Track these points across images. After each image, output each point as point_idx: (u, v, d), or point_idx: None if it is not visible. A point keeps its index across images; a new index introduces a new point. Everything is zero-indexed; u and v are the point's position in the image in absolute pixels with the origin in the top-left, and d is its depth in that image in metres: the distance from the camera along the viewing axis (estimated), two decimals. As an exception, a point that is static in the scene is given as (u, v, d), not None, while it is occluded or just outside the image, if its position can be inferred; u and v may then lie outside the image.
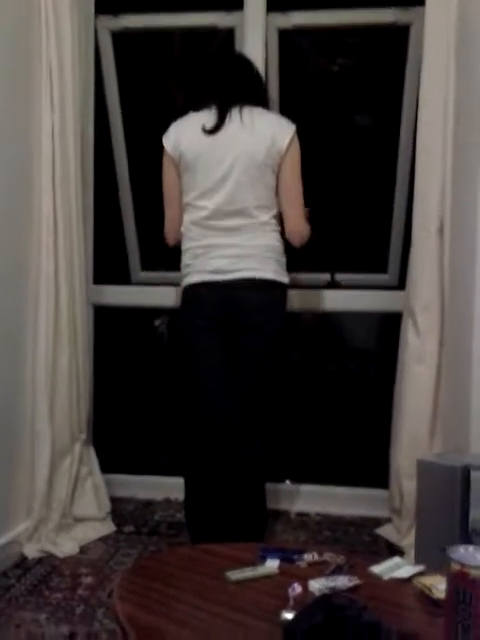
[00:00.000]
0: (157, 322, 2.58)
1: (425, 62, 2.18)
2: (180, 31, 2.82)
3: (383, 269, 2.71)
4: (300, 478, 2.76)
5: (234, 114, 2.01)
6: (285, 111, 2.52)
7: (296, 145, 2.03)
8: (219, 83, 2.11)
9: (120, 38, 2.65)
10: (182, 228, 2.11)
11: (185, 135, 2.05)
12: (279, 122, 2.05)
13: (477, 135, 1.85)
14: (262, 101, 2.12)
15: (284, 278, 2.08)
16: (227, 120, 2.00)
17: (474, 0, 1.93)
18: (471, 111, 1.94)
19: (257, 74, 2.19)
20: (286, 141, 2.00)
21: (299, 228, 2.06)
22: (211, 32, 2.64)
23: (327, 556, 1.38)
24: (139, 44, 2.80)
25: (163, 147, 2.08)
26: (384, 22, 2.51)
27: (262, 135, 1.99)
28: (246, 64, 2.17)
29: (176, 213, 2.12)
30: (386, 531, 2.40)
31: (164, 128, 2.12)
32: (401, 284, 2.47)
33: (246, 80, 2.12)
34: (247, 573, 1.30)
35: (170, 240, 2.18)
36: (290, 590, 1.20)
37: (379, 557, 1.39)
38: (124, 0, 2.62)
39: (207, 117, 2.03)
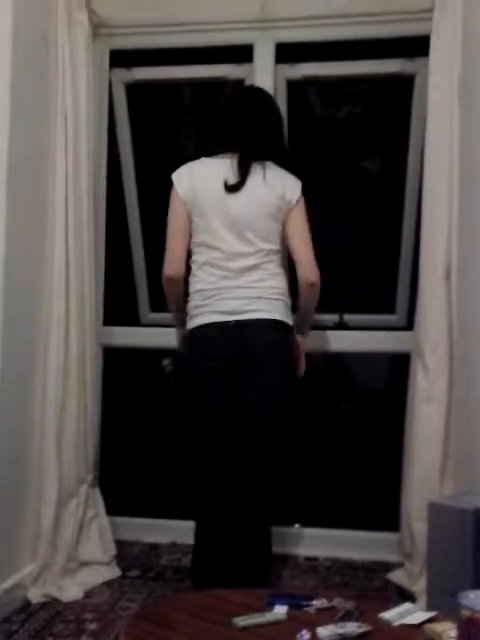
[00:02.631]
0: (165, 362, 2.59)
1: (430, 111, 2.24)
2: (190, 82, 2.91)
3: (391, 310, 2.73)
4: (309, 522, 2.72)
5: (256, 167, 2.08)
6: (295, 158, 2.59)
7: (303, 199, 2.13)
8: (241, 133, 2.12)
9: (133, 89, 2.74)
10: (193, 268, 2.13)
11: (200, 181, 2.09)
12: (288, 178, 2.14)
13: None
14: (281, 150, 2.19)
15: (290, 319, 2.13)
16: (249, 175, 2.06)
17: (477, 50, 1.99)
18: (475, 159, 1.98)
19: (277, 114, 2.22)
20: (296, 195, 2.11)
21: (312, 272, 2.08)
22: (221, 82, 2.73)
23: (336, 602, 1.35)
24: (151, 94, 2.89)
25: (173, 185, 2.11)
26: (389, 72, 2.58)
27: (275, 187, 2.08)
28: (267, 107, 2.20)
29: (180, 247, 2.10)
30: (397, 576, 2.35)
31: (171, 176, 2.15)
32: (409, 324, 2.48)
33: (267, 130, 2.15)
34: (255, 619, 1.28)
35: (169, 270, 2.11)
36: (298, 637, 1.18)
37: (390, 603, 1.38)
38: (137, 54, 2.71)
39: (223, 167, 2.08)
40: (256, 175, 2.08)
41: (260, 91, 2.28)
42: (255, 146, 2.11)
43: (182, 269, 2.12)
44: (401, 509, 2.33)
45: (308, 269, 2.08)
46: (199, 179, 2.10)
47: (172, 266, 2.12)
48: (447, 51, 2.20)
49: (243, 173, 2.07)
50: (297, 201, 2.11)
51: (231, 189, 2.05)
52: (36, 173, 2.27)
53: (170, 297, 2.22)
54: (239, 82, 2.64)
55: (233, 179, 2.06)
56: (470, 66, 2.09)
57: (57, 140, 2.32)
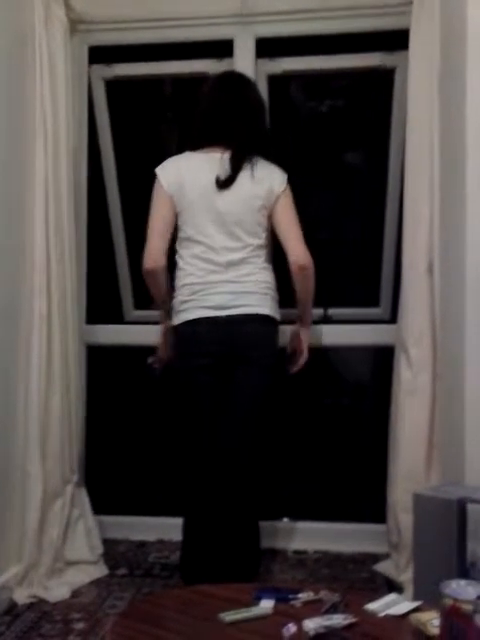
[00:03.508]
0: (150, 359, 2.57)
1: (410, 104, 2.25)
2: (172, 77, 2.90)
3: (375, 303, 2.73)
4: (297, 515, 2.72)
5: (245, 162, 2.08)
6: (277, 152, 2.59)
7: (289, 190, 2.13)
8: (228, 126, 2.11)
9: (113, 85, 2.72)
10: (180, 262, 2.12)
11: (187, 176, 2.08)
12: (275, 172, 2.14)
13: (462, 174, 1.90)
14: (266, 140, 2.18)
15: (278, 314, 2.14)
16: (239, 172, 2.06)
17: (455, 43, 2.00)
18: (455, 151, 1.98)
19: (260, 102, 2.20)
20: (282, 187, 2.11)
21: (302, 254, 2.07)
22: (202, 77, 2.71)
23: (322, 594, 1.36)
24: (131, 90, 2.87)
25: (157, 178, 2.10)
26: (370, 65, 2.58)
27: (262, 181, 2.08)
28: (250, 96, 2.17)
29: (160, 239, 2.07)
30: (385, 567, 2.36)
31: (155, 169, 2.13)
32: (393, 317, 2.49)
33: (253, 121, 2.14)
34: (242, 614, 1.28)
35: (148, 263, 2.08)
36: (285, 630, 1.18)
37: (378, 594, 1.38)
38: (116, 50, 2.69)
39: (211, 161, 2.07)
40: (245, 170, 2.07)
41: (241, 79, 2.24)
42: (245, 141, 2.10)
43: (162, 261, 2.08)
44: (387, 501, 2.35)
45: (298, 253, 2.07)
46: (185, 173, 2.08)
47: (152, 258, 2.08)
48: (426, 44, 2.21)
49: (235, 169, 2.06)
50: (283, 191, 2.10)
51: (222, 185, 2.05)
52: (16, 171, 2.25)
53: (152, 290, 2.19)
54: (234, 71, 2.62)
55: (223, 174, 2.05)
56: (449, 59, 2.09)
57: (36, 138, 2.30)
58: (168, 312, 2.20)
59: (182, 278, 2.11)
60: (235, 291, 2.05)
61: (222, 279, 2.05)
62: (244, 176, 2.07)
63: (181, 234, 2.11)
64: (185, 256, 2.10)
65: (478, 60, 1.87)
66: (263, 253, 2.12)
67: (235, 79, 2.24)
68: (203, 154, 2.11)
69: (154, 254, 2.08)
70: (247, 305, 2.05)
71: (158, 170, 2.11)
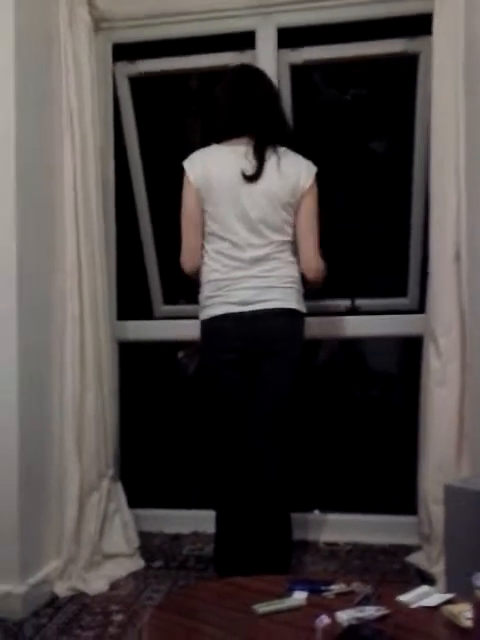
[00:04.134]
0: (180, 354, 2.60)
1: (434, 89, 2.22)
2: (195, 72, 2.90)
3: (403, 293, 2.71)
4: (328, 507, 2.73)
5: (270, 154, 2.07)
6: (300, 143, 2.58)
7: (315, 186, 2.11)
8: (250, 118, 2.10)
9: (137, 82, 2.74)
10: (205, 257, 2.13)
11: (213, 169, 2.07)
12: (303, 164, 2.11)
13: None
14: (287, 134, 2.18)
15: (303, 307, 2.13)
16: (265, 165, 2.05)
17: (480, 27, 1.97)
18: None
19: (277, 95, 2.21)
20: (309, 183, 2.08)
21: (314, 262, 2.09)
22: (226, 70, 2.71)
23: (355, 586, 1.37)
24: (155, 85, 2.89)
25: (185, 173, 2.10)
26: (393, 52, 2.55)
27: (289, 176, 2.06)
28: (268, 88, 2.18)
29: (196, 239, 2.11)
30: (416, 558, 2.36)
31: (181, 165, 2.13)
32: (421, 307, 2.47)
33: (274, 114, 2.14)
34: (274, 606, 1.29)
35: (188, 266, 2.14)
36: (317, 622, 1.19)
37: (410, 585, 1.38)
38: (140, 46, 2.71)
39: (235, 154, 2.07)
40: (270, 163, 2.06)
41: (257, 71, 2.25)
42: (268, 131, 2.10)
43: (198, 262, 2.13)
44: (418, 492, 2.34)
45: (310, 265, 2.09)
46: (212, 167, 2.08)
47: (190, 260, 2.13)
48: (450, 28, 2.17)
49: (260, 161, 2.05)
50: (310, 188, 2.08)
51: (249, 179, 2.04)
52: (44, 172, 2.28)
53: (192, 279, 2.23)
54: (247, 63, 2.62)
55: (249, 168, 2.04)
56: (474, 43, 2.06)
57: (64, 137, 2.33)
58: None
59: (207, 274, 2.12)
60: (259, 286, 2.05)
61: (246, 275, 2.06)
62: (270, 170, 2.05)
63: (206, 229, 2.11)
64: (210, 251, 2.11)
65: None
66: (288, 247, 2.11)
67: (252, 72, 2.25)
68: (228, 147, 2.10)
69: (190, 256, 2.12)
70: (272, 300, 2.05)
71: (186, 163, 2.11)
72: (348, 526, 2.64)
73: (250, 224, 2.06)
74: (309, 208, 2.09)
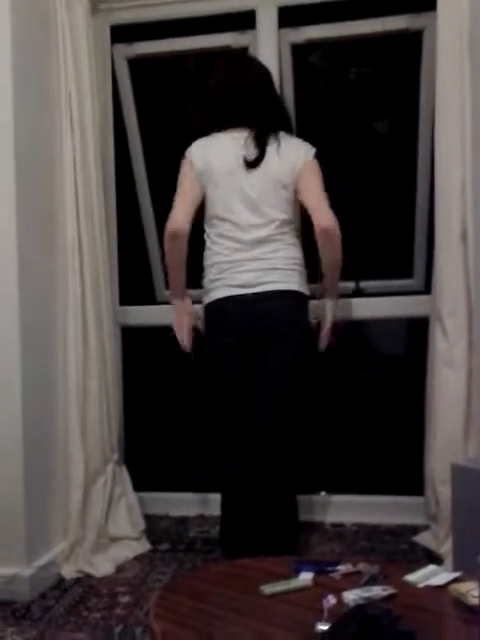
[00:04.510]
0: (172, 334, 2.58)
1: (439, 66, 2.18)
2: (195, 53, 2.86)
3: (408, 274, 2.69)
4: (335, 488, 2.74)
5: (271, 141, 2.08)
6: (303, 124, 2.55)
7: (316, 163, 2.11)
8: (247, 109, 2.12)
9: (136, 64, 2.70)
10: (207, 242, 2.14)
11: (216, 156, 2.09)
12: (302, 147, 2.13)
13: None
14: (285, 118, 2.19)
15: (306, 290, 2.13)
16: (266, 150, 2.06)
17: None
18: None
19: (272, 81, 2.22)
20: (308, 158, 2.10)
21: (325, 217, 2.03)
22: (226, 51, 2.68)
23: (361, 566, 1.37)
24: (155, 67, 2.85)
25: (186, 159, 2.12)
26: (396, 29, 2.51)
27: (289, 159, 2.08)
28: (266, 76, 2.19)
29: (188, 207, 2.08)
30: (424, 538, 2.36)
31: (182, 148, 2.16)
32: (427, 288, 2.45)
33: (270, 100, 2.16)
34: (281, 586, 1.30)
35: (174, 225, 2.06)
36: (324, 602, 1.19)
37: (417, 565, 1.37)
38: (138, 28, 2.67)
39: (236, 141, 2.08)
40: (271, 149, 2.08)
41: (248, 57, 2.28)
42: (267, 119, 2.11)
43: (186, 225, 2.07)
44: (425, 472, 2.33)
45: (321, 216, 2.03)
46: (213, 155, 2.10)
47: (175, 222, 2.07)
48: (454, 3, 2.13)
49: (261, 148, 2.06)
50: (308, 161, 2.09)
51: (250, 165, 2.05)
52: (43, 155, 2.27)
53: (171, 259, 2.15)
54: (238, 50, 2.58)
55: (250, 154, 2.06)
56: (478, 17, 2.01)
57: (62, 119, 2.31)
58: (181, 289, 2.20)
59: (209, 257, 2.12)
60: (262, 268, 2.05)
61: (248, 257, 2.06)
62: (271, 154, 2.07)
63: (208, 213, 2.12)
64: (212, 235, 2.12)
65: (510, 17, 1.80)
66: (290, 229, 2.11)
67: (244, 59, 2.28)
68: (228, 135, 2.12)
69: (178, 218, 2.08)
70: (274, 282, 2.04)
71: (187, 152, 2.14)
72: (355, 507, 2.65)
73: (250, 204, 2.06)
74: (311, 175, 2.08)
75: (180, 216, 2.09)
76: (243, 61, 2.27)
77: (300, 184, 2.08)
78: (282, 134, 2.12)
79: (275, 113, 2.16)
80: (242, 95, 2.13)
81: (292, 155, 2.08)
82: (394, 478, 2.74)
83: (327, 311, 2.25)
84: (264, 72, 2.21)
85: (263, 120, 2.11)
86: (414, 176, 2.58)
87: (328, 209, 2.05)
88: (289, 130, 2.20)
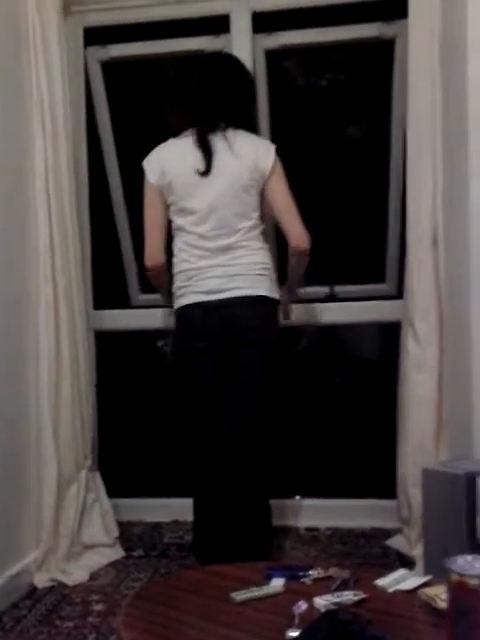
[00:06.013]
0: (160, 343, 2.59)
1: (411, 74, 2.21)
2: (170, 56, 2.86)
3: (381, 279, 2.71)
4: (308, 492, 2.74)
5: (218, 140, 2.05)
6: (276, 129, 2.56)
7: (279, 164, 2.09)
8: (201, 106, 2.11)
9: (109, 67, 2.69)
10: (174, 250, 2.14)
11: (170, 165, 2.08)
12: (260, 144, 2.11)
13: (465, 145, 1.86)
14: (247, 117, 2.16)
15: (276, 294, 2.13)
16: (213, 154, 2.04)
17: (456, 10, 1.95)
18: (459, 120, 1.95)
19: (236, 78, 2.16)
20: (269, 163, 2.07)
21: (303, 240, 2.04)
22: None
23: (332, 571, 1.37)
24: (129, 71, 2.84)
25: (145, 175, 2.11)
26: (369, 36, 2.53)
27: (246, 159, 2.05)
28: (231, 73, 2.15)
29: (157, 237, 2.12)
30: (396, 542, 2.38)
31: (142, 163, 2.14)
32: (400, 293, 2.48)
33: (231, 99, 2.12)
34: (252, 593, 1.29)
35: (151, 262, 2.14)
36: (295, 608, 1.19)
37: (390, 569, 1.38)
38: (112, 31, 2.66)
39: (190, 146, 2.06)
40: (222, 149, 2.04)
41: (218, 59, 2.25)
42: (209, 118, 2.08)
43: (162, 259, 2.14)
44: (397, 476, 2.35)
45: (298, 237, 2.04)
46: (168, 163, 2.08)
47: (151, 257, 2.14)
48: (426, 11, 2.15)
49: (206, 151, 2.03)
50: (272, 167, 2.06)
51: (202, 174, 2.04)
52: (15, 158, 2.24)
53: (155, 284, 2.29)
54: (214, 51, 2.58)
55: (198, 162, 2.04)
56: (450, 25, 2.05)
57: (34, 124, 2.29)
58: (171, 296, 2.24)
59: (177, 265, 2.13)
60: (227, 274, 2.05)
61: (214, 263, 2.06)
62: (223, 156, 2.04)
63: (174, 224, 2.12)
64: (179, 243, 2.12)
65: (480, 25, 1.83)
66: (256, 234, 2.10)
67: (212, 60, 2.26)
68: (183, 140, 2.10)
69: (154, 254, 2.13)
70: (241, 287, 2.04)
71: (144, 164, 2.13)
72: (328, 511, 2.66)
73: (214, 214, 2.05)
74: (278, 187, 2.06)
75: (155, 250, 2.12)
76: (210, 60, 2.25)
77: (269, 195, 2.07)
78: (233, 132, 2.07)
79: (230, 111, 2.10)
80: (196, 95, 2.12)
81: (250, 154, 2.04)
82: (368, 482, 2.76)
83: (286, 297, 2.25)
84: (231, 70, 2.16)
85: (207, 116, 2.08)
86: (387, 182, 2.61)
87: (304, 231, 2.05)
88: (250, 129, 2.14)
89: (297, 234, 2.04)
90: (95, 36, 2.65)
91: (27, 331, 2.29)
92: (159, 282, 2.25)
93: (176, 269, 2.13)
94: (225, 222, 2.05)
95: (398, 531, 2.41)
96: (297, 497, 2.74)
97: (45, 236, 2.29)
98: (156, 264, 2.14)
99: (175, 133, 2.16)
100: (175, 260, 2.14)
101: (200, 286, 2.06)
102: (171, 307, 2.24)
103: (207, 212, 2.05)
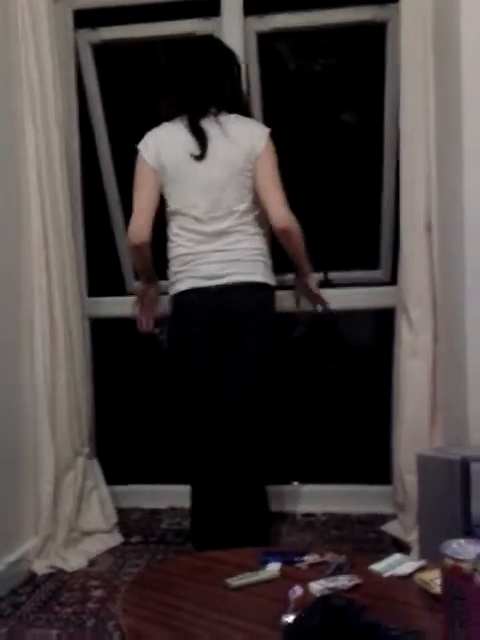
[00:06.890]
0: (157, 330, 2.57)
1: (403, 57, 2.19)
2: (161, 40, 2.83)
3: (375, 265, 2.71)
4: (305, 478, 2.76)
5: (211, 125, 2.04)
6: (269, 113, 2.54)
7: (271, 145, 2.08)
8: (191, 91, 2.09)
9: (101, 50, 2.66)
10: (169, 235, 2.13)
11: (165, 148, 2.07)
12: (254, 127, 2.10)
13: (458, 130, 1.86)
14: (238, 101, 2.15)
15: (272, 280, 2.12)
16: (208, 139, 2.03)
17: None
18: (452, 105, 1.94)
19: (225, 62, 2.15)
20: (263, 145, 2.06)
21: (282, 212, 2.02)
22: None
23: (328, 556, 1.38)
24: (120, 55, 2.81)
25: (139, 154, 2.10)
26: (362, 20, 2.51)
27: (241, 142, 2.04)
28: (217, 56, 2.14)
29: (145, 213, 2.07)
30: (392, 527, 2.39)
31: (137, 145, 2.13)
32: (394, 279, 2.48)
33: (220, 83, 2.11)
34: (248, 578, 1.31)
35: (139, 239, 2.08)
36: (291, 593, 1.20)
37: (385, 554, 1.39)
38: (102, 13, 2.63)
39: (182, 130, 2.05)
40: (216, 133, 2.04)
41: (205, 43, 2.22)
42: (198, 103, 2.07)
43: (146, 237, 2.08)
44: (392, 462, 2.37)
45: (278, 217, 2.02)
46: (163, 146, 2.07)
47: (136, 235, 2.09)
48: (418, -6, 2.14)
49: (199, 136, 2.03)
50: (264, 148, 2.05)
51: (197, 158, 2.03)
52: (5, 147, 2.22)
53: (137, 263, 2.25)
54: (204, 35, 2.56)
55: (192, 146, 2.03)
56: (442, 9, 2.03)
57: (25, 109, 2.27)
58: (150, 280, 2.29)
59: (173, 249, 2.11)
60: (224, 259, 2.04)
61: (211, 248, 2.05)
62: (218, 140, 2.03)
63: (168, 208, 2.11)
64: (174, 228, 2.11)
65: (472, 8, 1.81)
66: (252, 218, 2.09)
67: (198, 43, 2.23)
68: (176, 124, 2.09)
69: (137, 231, 2.08)
70: (238, 273, 2.04)
71: (140, 145, 2.11)
72: (324, 497, 2.67)
73: (209, 196, 2.04)
74: (265, 165, 2.04)
75: (140, 226, 2.07)
76: (197, 44, 2.21)
77: (256, 175, 2.05)
78: (225, 116, 2.06)
79: (221, 95, 2.09)
80: (186, 81, 2.11)
81: (245, 138, 2.04)
82: (363, 467, 2.78)
83: (311, 286, 2.29)
84: (218, 54, 2.14)
85: (198, 102, 2.07)
86: (380, 167, 2.60)
87: (285, 209, 2.02)
88: (242, 112, 2.13)
89: (275, 212, 2.02)
90: (85, 18, 2.62)
91: (21, 318, 2.28)
92: (143, 263, 2.20)
93: (171, 254, 2.12)
94: (220, 204, 2.04)
95: (393, 517, 2.43)
96: (294, 483, 2.76)
97: (38, 224, 2.28)
98: (139, 241, 2.08)
99: (166, 117, 2.14)
100: (170, 245, 2.12)
101: (197, 271, 2.05)
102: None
103: (202, 195, 2.04)
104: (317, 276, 2.41)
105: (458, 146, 1.87)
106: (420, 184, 2.16)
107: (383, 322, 2.64)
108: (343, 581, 1.26)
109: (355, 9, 2.48)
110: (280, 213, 2.02)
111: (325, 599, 1.09)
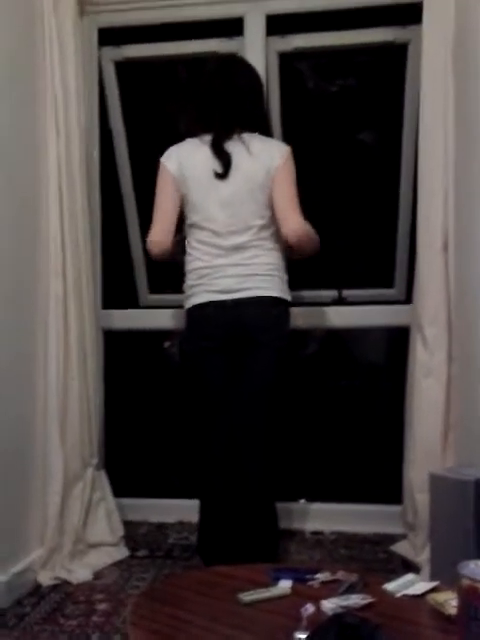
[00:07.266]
0: (167, 344, 2.58)
1: (424, 79, 2.21)
2: (183, 58, 2.87)
3: (390, 284, 2.71)
4: (314, 496, 2.74)
5: (234, 145, 2.06)
6: (288, 132, 2.57)
7: (291, 163, 2.08)
8: (215, 108, 2.11)
9: (123, 67, 2.70)
10: (187, 248, 2.14)
11: (188, 162, 2.08)
12: (275, 146, 2.12)
13: (477, 151, 1.86)
14: (260, 120, 2.16)
15: (288, 296, 2.12)
16: (231, 157, 2.04)
17: (471, 15, 1.95)
18: (471, 126, 1.95)
19: (248, 82, 2.16)
20: (281, 161, 2.06)
21: (297, 225, 2.02)
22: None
23: (340, 575, 1.37)
24: (142, 72, 2.85)
25: (161, 166, 2.11)
26: (382, 41, 2.54)
27: (262, 158, 2.06)
28: (240, 76, 2.15)
29: (170, 223, 2.09)
30: (401, 547, 2.37)
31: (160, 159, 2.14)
32: (408, 298, 2.47)
33: (243, 101, 2.12)
34: (260, 594, 1.29)
35: (158, 247, 2.10)
36: (303, 610, 1.19)
37: (395, 574, 1.38)
38: (126, 31, 2.67)
39: (207, 148, 2.07)
40: (238, 151, 2.05)
41: (230, 62, 2.23)
42: (225, 123, 2.08)
43: (166, 245, 2.10)
44: (403, 481, 2.35)
45: (290, 223, 2.01)
46: (186, 161, 2.09)
47: (158, 244, 2.10)
48: (440, 17, 2.16)
49: (223, 157, 2.04)
50: (283, 163, 2.05)
51: (220, 176, 2.04)
52: (29, 156, 2.26)
53: (168, 259, 2.21)
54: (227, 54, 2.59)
55: (215, 164, 2.04)
56: (463, 32, 2.05)
57: (48, 120, 2.30)
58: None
59: (190, 262, 2.12)
60: (241, 274, 2.05)
61: (228, 262, 2.05)
62: (241, 156, 2.05)
63: (188, 221, 2.12)
64: (192, 241, 2.12)
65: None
66: (269, 234, 2.09)
67: (223, 62, 2.24)
68: (199, 142, 2.11)
69: (157, 239, 2.10)
70: (254, 288, 2.04)
71: (163, 159, 2.12)
72: (333, 515, 2.65)
73: (228, 210, 2.05)
74: (283, 179, 2.04)
75: (159, 236, 2.09)
76: (222, 65, 2.21)
77: (274, 187, 2.05)
78: (249, 135, 2.08)
79: (244, 120, 2.10)
80: (210, 99, 2.12)
81: (266, 156, 2.06)
82: (373, 487, 2.75)
83: None
84: (244, 78, 2.16)
85: (224, 122, 2.08)
86: (397, 186, 2.61)
87: (299, 216, 2.02)
88: (266, 133, 2.15)
89: (291, 220, 2.02)
90: (110, 36, 2.67)
91: (36, 326, 2.29)
92: (169, 259, 2.19)
93: (188, 267, 2.13)
94: (238, 219, 2.05)
95: (403, 537, 2.41)
96: (302, 501, 2.74)
97: (56, 231, 2.30)
98: (157, 252, 2.11)
99: (187, 134, 2.16)
100: (187, 258, 2.13)
101: (214, 285, 2.06)
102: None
103: (221, 209, 2.05)
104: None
105: (477, 166, 1.87)
106: (437, 203, 2.17)
107: (396, 340, 2.63)
108: (356, 600, 1.24)
109: (377, 30, 2.51)
110: (294, 220, 2.01)
111: (339, 617, 1.08)
